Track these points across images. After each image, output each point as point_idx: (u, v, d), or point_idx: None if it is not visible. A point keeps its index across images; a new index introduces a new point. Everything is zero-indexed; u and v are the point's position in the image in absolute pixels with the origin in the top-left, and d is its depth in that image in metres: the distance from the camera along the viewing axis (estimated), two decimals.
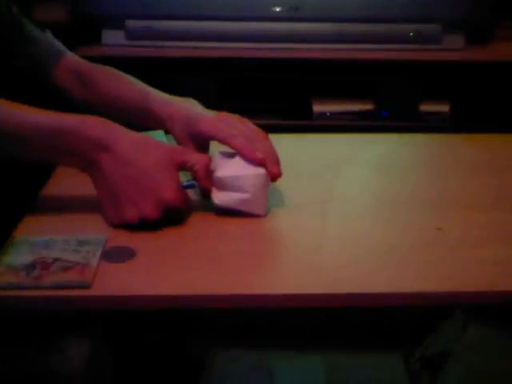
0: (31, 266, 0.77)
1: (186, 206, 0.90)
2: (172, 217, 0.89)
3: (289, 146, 0.98)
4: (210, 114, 1.00)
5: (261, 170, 0.92)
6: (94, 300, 0.75)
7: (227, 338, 0.93)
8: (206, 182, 0.91)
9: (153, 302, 0.76)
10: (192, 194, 0.94)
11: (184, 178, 0.92)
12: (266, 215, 0.93)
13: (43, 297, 0.75)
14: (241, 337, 0.93)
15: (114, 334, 0.85)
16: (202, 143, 1.00)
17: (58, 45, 1.19)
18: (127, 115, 1.07)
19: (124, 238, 0.85)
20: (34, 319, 0.78)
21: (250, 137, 0.96)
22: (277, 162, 0.95)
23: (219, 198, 0.92)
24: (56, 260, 0.79)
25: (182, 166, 0.90)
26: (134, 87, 1.10)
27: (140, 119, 1.07)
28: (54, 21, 1.89)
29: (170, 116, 1.02)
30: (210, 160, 0.92)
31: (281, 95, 2.03)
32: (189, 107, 1.03)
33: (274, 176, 0.93)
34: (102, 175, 0.87)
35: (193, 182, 0.92)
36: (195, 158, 0.91)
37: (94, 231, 0.87)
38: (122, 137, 0.88)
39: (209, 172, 0.91)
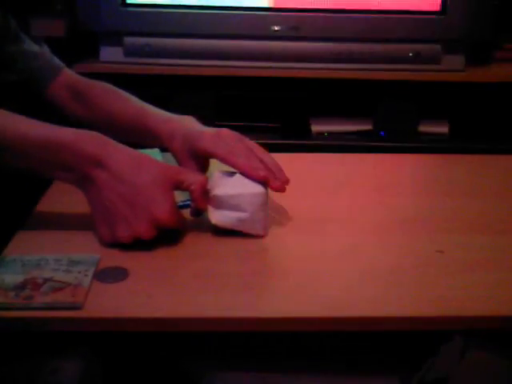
0: (22, 287, 0.76)
1: (180, 225, 0.89)
2: (166, 235, 0.87)
3: (287, 166, 0.97)
4: (209, 130, 0.99)
5: (259, 189, 0.90)
6: (85, 321, 0.74)
7: (224, 359, 0.92)
8: (201, 202, 0.90)
9: (145, 325, 0.75)
10: (188, 214, 0.93)
11: (181, 196, 0.91)
12: (265, 235, 0.91)
13: (34, 318, 0.73)
14: (238, 358, 0.92)
15: (106, 353, 0.84)
16: (201, 160, 0.99)
17: (56, 61, 1.18)
18: (125, 132, 1.06)
19: (117, 258, 0.84)
20: (25, 340, 0.76)
21: (250, 153, 0.95)
22: (281, 170, 0.95)
23: (216, 217, 0.90)
24: (47, 280, 0.77)
25: (178, 186, 0.88)
26: (131, 104, 1.09)
27: (138, 136, 1.06)
28: (52, 36, 1.88)
29: (169, 133, 1.01)
30: (206, 180, 0.91)
31: (279, 114, 2.03)
32: (188, 124, 1.02)
33: (282, 185, 0.94)
34: (95, 191, 0.86)
35: (188, 201, 0.91)
36: (192, 177, 0.89)
37: (86, 250, 0.85)
38: (117, 153, 0.86)
39: (205, 192, 0.90)
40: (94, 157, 0.85)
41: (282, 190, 0.94)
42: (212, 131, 0.98)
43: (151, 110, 1.06)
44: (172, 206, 0.86)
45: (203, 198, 0.90)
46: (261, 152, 0.97)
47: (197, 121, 1.04)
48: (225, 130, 0.98)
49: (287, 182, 0.95)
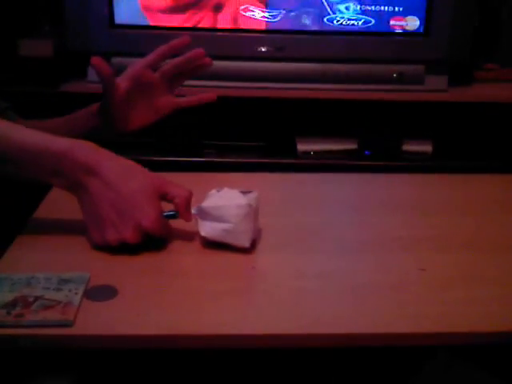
0: (12, 305, 0.77)
1: (165, 233, 0.93)
2: (152, 243, 0.91)
3: (272, 185, 0.98)
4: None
5: (243, 201, 0.92)
6: (75, 339, 0.74)
7: (214, 377, 0.93)
8: (186, 215, 0.93)
9: (134, 342, 0.75)
10: (178, 225, 0.94)
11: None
12: (249, 246, 0.93)
13: (24, 335, 0.74)
14: (232, 376, 0.93)
15: (96, 371, 0.84)
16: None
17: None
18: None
19: (106, 277, 0.85)
20: (13, 358, 0.77)
21: None
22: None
23: (205, 229, 0.93)
24: (38, 298, 0.78)
25: (163, 197, 0.92)
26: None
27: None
28: (39, 56, 1.90)
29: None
30: (191, 195, 0.93)
31: (265, 134, 2.04)
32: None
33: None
34: (88, 197, 0.90)
35: (174, 212, 0.93)
36: (176, 190, 0.93)
37: (76, 268, 0.86)
38: (109, 161, 0.90)
39: (189, 205, 0.93)
40: (87, 165, 0.89)
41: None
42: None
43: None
44: (157, 214, 0.90)
45: (187, 210, 0.93)
46: None
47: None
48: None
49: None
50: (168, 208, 0.93)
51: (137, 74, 1.11)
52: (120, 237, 0.88)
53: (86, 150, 0.90)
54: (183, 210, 0.92)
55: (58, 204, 0.93)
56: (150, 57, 1.12)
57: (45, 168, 0.89)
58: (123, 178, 0.90)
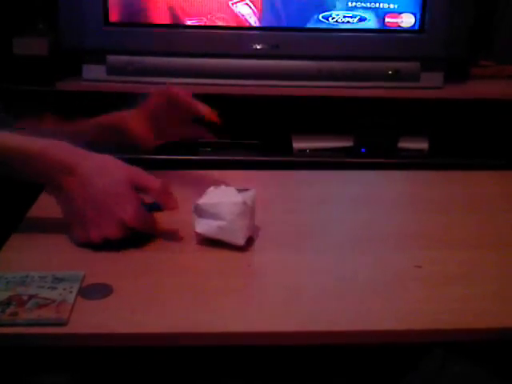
0: (7, 303, 0.76)
1: (148, 226, 0.93)
2: (138, 236, 0.91)
3: (268, 182, 0.98)
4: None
5: (238, 199, 0.92)
6: (70, 337, 0.74)
7: (213, 375, 0.92)
8: (168, 204, 0.93)
9: (129, 340, 0.75)
10: (173, 223, 0.94)
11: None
12: (244, 245, 0.93)
13: (19, 334, 0.74)
14: (226, 375, 0.92)
15: (92, 369, 0.84)
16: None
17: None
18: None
19: (101, 275, 0.85)
20: (9, 356, 0.77)
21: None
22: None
23: (200, 226, 0.93)
24: (32, 297, 0.78)
25: (137, 187, 0.92)
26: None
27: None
28: (34, 55, 1.89)
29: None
30: (163, 185, 0.93)
31: (261, 131, 2.04)
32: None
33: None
34: (66, 197, 0.91)
35: (157, 204, 0.93)
36: (147, 183, 0.92)
37: (71, 267, 0.86)
38: (85, 159, 0.91)
39: (168, 194, 0.93)
40: (62, 164, 0.89)
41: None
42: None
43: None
44: (136, 206, 0.90)
45: (166, 200, 0.93)
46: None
47: None
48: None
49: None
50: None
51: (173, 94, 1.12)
52: (102, 234, 0.89)
53: (60, 150, 0.90)
54: (162, 200, 0.93)
55: (52, 203, 0.92)
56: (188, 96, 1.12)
57: (24, 170, 0.90)
58: (98, 175, 0.90)
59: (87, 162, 0.90)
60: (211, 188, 0.96)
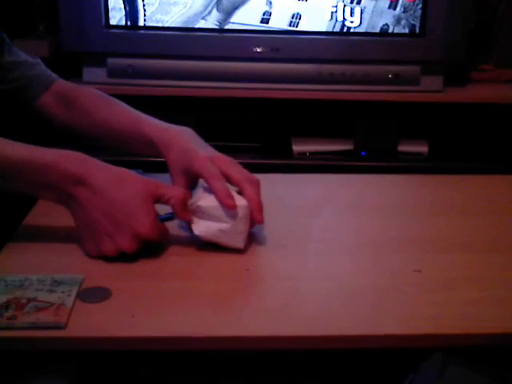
0: (5, 306, 0.76)
1: (163, 238, 0.91)
2: (149, 248, 0.90)
3: (268, 186, 0.98)
4: (205, 153, 0.98)
5: (242, 202, 0.92)
6: (68, 341, 0.74)
7: (211, 379, 0.92)
8: (183, 215, 0.92)
9: (128, 344, 0.75)
10: (172, 227, 0.94)
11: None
12: (243, 248, 0.93)
13: (18, 337, 0.74)
14: (225, 377, 0.92)
15: (90, 372, 0.84)
16: (191, 178, 1.00)
17: (50, 71, 1.18)
18: (120, 140, 1.08)
19: (100, 278, 0.84)
20: (7, 359, 0.76)
21: (239, 180, 0.95)
22: (259, 210, 0.94)
23: (199, 228, 0.92)
24: (31, 300, 0.78)
25: (158, 200, 0.90)
26: (124, 111, 1.10)
27: (133, 144, 1.07)
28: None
29: (166, 142, 1.02)
30: (186, 195, 0.92)
31: (261, 134, 2.04)
32: (187, 138, 1.02)
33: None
34: (79, 209, 0.88)
35: (171, 214, 0.92)
36: (170, 191, 0.91)
37: (69, 270, 0.86)
38: (98, 171, 0.89)
39: (185, 205, 0.91)
40: (77, 176, 0.87)
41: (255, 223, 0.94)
42: (207, 154, 0.98)
43: (146, 117, 1.08)
44: (153, 219, 0.88)
45: (184, 210, 0.91)
46: (248, 185, 0.95)
47: (195, 134, 1.04)
48: (221, 156, 0.98)
49: (260, 222, 0.94)
50: (165, 211, 0.92)
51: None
52: (117, 247, 0.87)
53: (73, 161, 0.88)
54: (179, 211, 0.91)
55: (51, 207, 0.92)
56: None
57: (32, 181, 0.87)
58: (114, 186, 0.88)
59: (101, 174, 0.89)
60: (204, 186, 0.95)
